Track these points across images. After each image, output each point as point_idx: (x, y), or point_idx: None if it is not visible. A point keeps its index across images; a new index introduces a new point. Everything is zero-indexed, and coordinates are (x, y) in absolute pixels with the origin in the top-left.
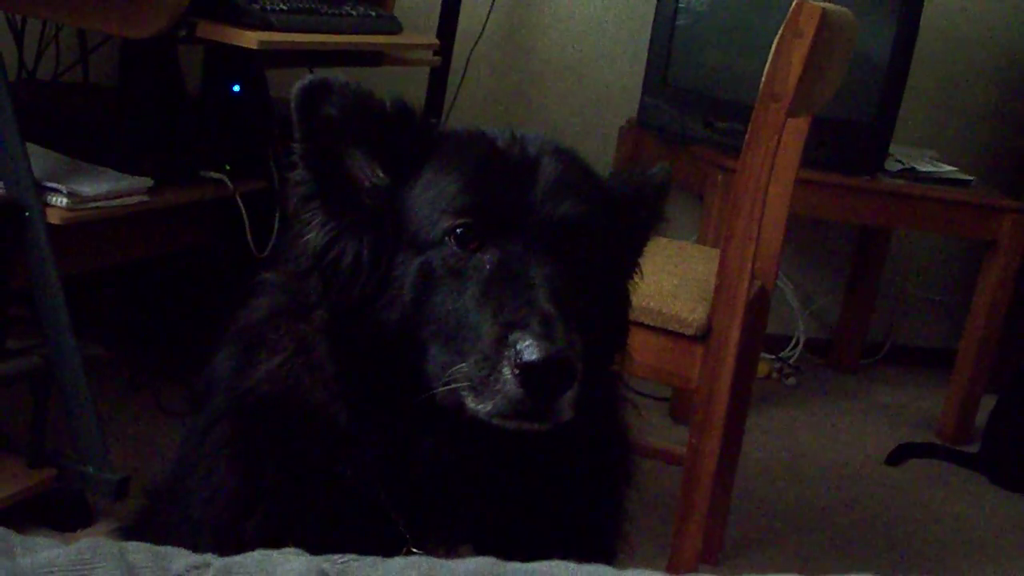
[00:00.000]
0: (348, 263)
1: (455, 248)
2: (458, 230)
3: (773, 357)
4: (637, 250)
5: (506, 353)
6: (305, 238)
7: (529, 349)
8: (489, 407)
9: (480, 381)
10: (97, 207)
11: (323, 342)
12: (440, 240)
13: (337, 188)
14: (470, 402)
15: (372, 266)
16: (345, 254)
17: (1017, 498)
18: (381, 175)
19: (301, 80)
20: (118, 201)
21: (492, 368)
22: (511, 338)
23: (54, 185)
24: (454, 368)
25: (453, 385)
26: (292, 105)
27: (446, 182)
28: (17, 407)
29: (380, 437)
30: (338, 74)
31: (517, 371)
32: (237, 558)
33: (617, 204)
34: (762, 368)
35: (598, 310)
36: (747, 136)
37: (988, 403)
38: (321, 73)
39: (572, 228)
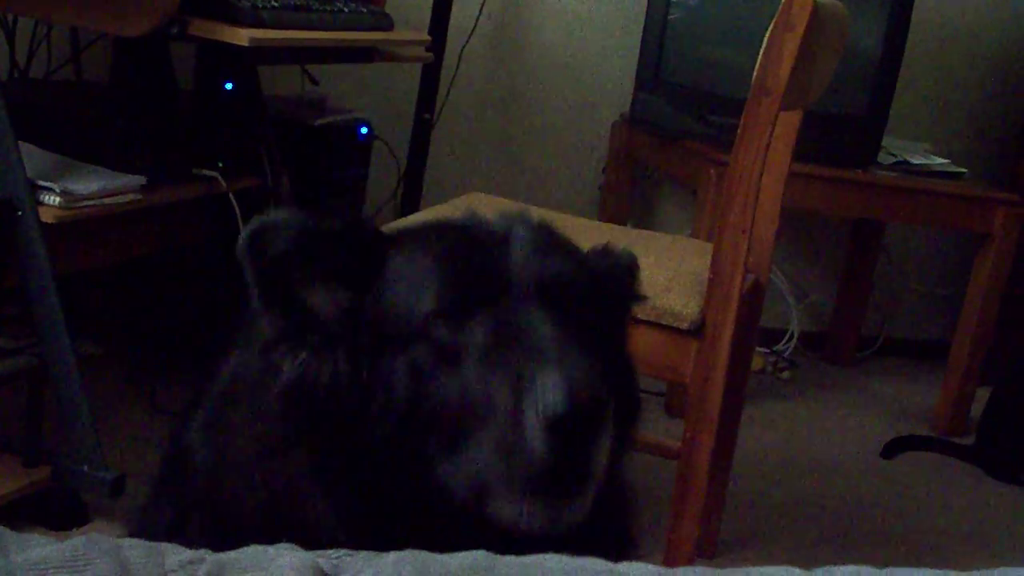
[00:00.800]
0: (325, 382)
1: (442, 329)
2: (441, 308)
3: (768, 351)
4: (623, 323)
5: (526, 409)
6: (277, 385)
7: (551, 392)
8: (514, 499)
9: (501, 469)
10: (90, 205)
11: (309, 481)
12: (423, 327)
13: (303, 321)
14: (497, 509)
15: (352, 375)
16: (321, 375)
17: (1012, 489)
18: (343, 293)
19: (245, 229)
20: (111, 199)
21: (514, 444)
22: (527, 392)
23: (47, 184)
24: (469, 468)
25: (471, 487)
26: (241, 255)
27: (415, 269)
28: (11, 406)
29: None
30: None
31: (542, 422)
32: (231, 553)
33: (595, 272)
34: (757, 362)
35: (607, 374)
36: (740, 130)
37: (983, 395)
38: (266, 216)
39: (561, 283)
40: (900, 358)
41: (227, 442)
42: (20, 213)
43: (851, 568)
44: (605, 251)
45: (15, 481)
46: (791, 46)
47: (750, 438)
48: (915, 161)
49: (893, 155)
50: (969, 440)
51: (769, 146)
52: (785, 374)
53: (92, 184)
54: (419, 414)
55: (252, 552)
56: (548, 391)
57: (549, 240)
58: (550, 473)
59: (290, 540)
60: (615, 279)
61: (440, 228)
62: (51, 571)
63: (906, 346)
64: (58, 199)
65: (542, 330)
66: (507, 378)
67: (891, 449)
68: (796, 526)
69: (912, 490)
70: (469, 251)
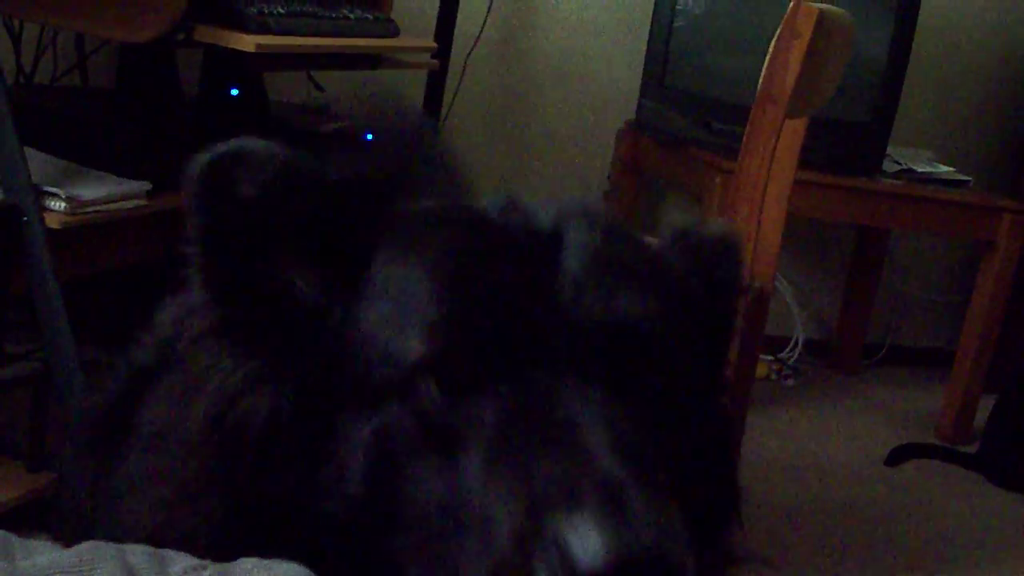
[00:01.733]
0: (259, 424)
1: (432, 392)
2: (434, 359)
3: (772, 358)
4: (721, 351)
5: (539, 554)
6: (199, 411)
7: (583, 539)
8: None
9: None
10: (96, 211)
11: (213, 547)
12: (405, 384)
13: (254, 314)
14: None
15: (295, 431)
16: (256, 410)
17: (1016, 498)
18: (314, 282)
19: (204, 154)
20: (117, 205)
21: None
22: (546, 525)
23: (52, 189)
24: None
25: None
26: (190, 193)
27: (410, 282)
28: (16, 412)
29: None
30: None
31: None
32: (235, 563)
33: (684, 289)
34: (761, 369)
35: (692, 461)
36: (745, 137)
37: (987, 403)
38: (238, 142)
39: (633, 336)
40: (904, 366)
41: (111, 471)
42: (25, 219)
43: None
44: (684, 233)
45: (19, 487)
46: (797, 54)
47: (754, 445)
48: (920, 169)
49: (898, 163)
50: (973, 448)
51: (774, 153)
52: (790, 382)
53: (98, 190)
54: (381, 507)
55: (255, 562)
56: (580, 539)
57: (619, 256)
58: None
59: None
60: (707, 274)
61: (459, 217)
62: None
63: (911, 354)
64: (63, 204)
65: (590, 417)
66: (519, 496)
67: (895, 457)
68: (800, 533)
69: (916, 498)
70: (493, 266)
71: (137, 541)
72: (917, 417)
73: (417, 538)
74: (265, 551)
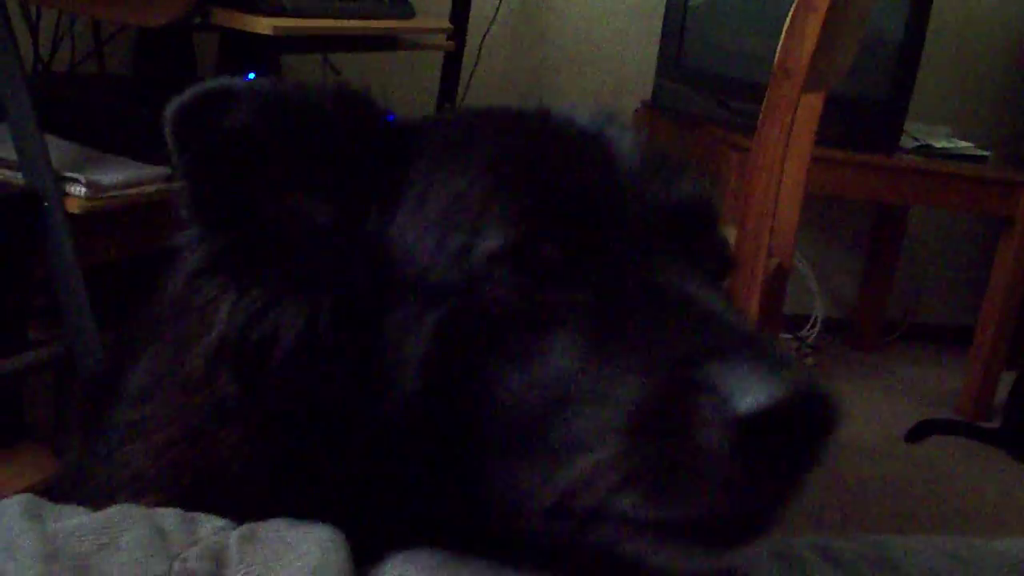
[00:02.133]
0: (289, 346)
1: (512, 279)
2: (514, 244)
3: (792, 336)
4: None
5: (702, 404)
6: (208, 339)
7: (743, 384)
8: (654, 531)
9: (650, 467)
10: (115, 196)
11: (252, 469)
12: (476, 274)
13: (256, 247)
14: (609, 538)
15: (339, 341)
16: (282, 333)
17: None
18: (326, 206)
19: (180, 96)
20: (136, 190)
21: (673, 439)
22: (699, 378)
23: (72, 175)
24: (565, 478)
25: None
26: (170, 129)
27: (459, 184)
28: (40, 396)
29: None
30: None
31: (739, 436)
32: (262, 523)
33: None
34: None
35: None
36: (762, 113)
37: (1008, 379)
38: (218, 80)
39: (700, 214)
40: (924, 343)
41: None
42: (46, 204)
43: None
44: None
45: (45, 470)
46: (813, 27)
47: None
48: (938, 145)
49: (916, 139)
50: (994, 424)
51: (791, 129)
52: (809, 360)
53: (117, 175)
54: (447, 403)
55: (283, 523)
56: (739, 384)
57: (660, 151)
58: (734, 499)
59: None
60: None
61: (498, 119)
62: (88, 537)
63: (931, 331)
64: (84, 190)
65: (703, 291)
66: (660, 359)
67: (916, 433)
68: (821, 510)
69: (937, 474)
70: (552, 157)
71: (136, 494)
72: (937, 394)
73: (506, 430)
74: (297, 497)
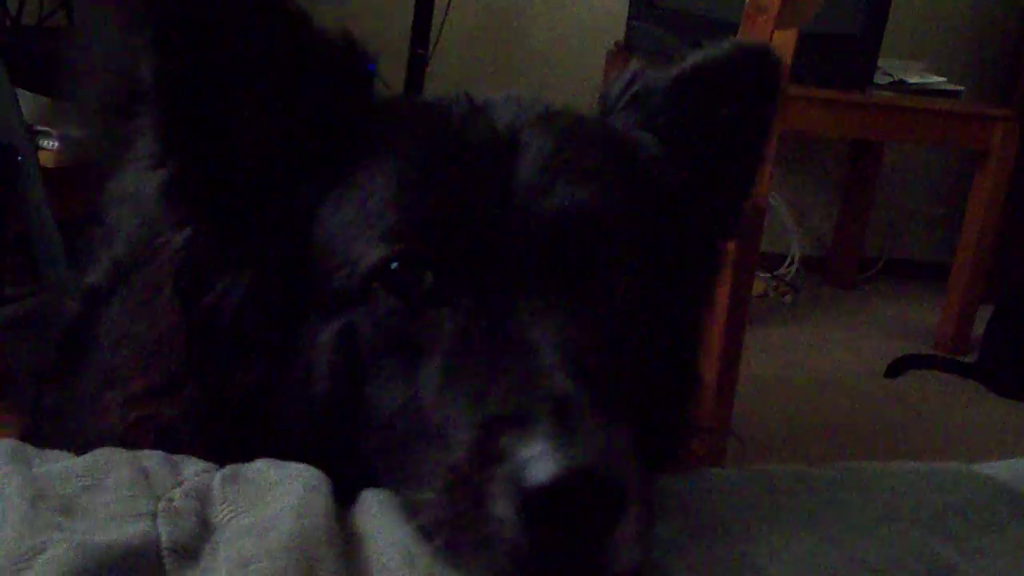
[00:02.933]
0: (232, 309)
1: (390, 302)
2: (393, 270)
3: (769, 275)
4: (738, 192)
5: (496, 474)
6: (167, 288)
7: (538, 462)
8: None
9: (454, 523)
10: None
11: (194, 439)
12: (364, 289)
13: (222, 173)
14: (443, 558)
15: (262, 325)
16: (230, 294)
17: (1015, 405)
18: (291, 148)
19: None
20: None
21: (473, 501)
22: (503, 445)
23: (45, 129)
24: (412, 496)
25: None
26: (143, 29)
27: (373, 185)
28: (17, 352)
29: None
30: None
31: (519, 506)
32: (245, 464)
33: (657, 173)
34: (758, 286)
35: (654, 358)
36: None
37: (985, 313)
38: None
39: (584, 227)
40: (902, 279)
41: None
42: (20, 158)
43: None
44: (706, 57)
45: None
46: None
47: (754, 362)
48: (912, 80)
49: (889, 75)
50: (972, 358)
51: None
52: (787, 298)
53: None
54: (346, 408)
55: (263, 463)
56: (527, 459)
57: (573, 148)
58: (526, 565)
59: None
60: (750, 93)
61: (425, 119)
62: (74, 479)
63: (907, 267)
64: (56, 144)
65: (544, 327)
66: (475, 409)
67: (895, 368)
68: (802, 445)
69: (916, 408)
70: (451, 172)
71: (106, 444)
72: (915, 329)
73: (382, 441)
74: (242, 451)
